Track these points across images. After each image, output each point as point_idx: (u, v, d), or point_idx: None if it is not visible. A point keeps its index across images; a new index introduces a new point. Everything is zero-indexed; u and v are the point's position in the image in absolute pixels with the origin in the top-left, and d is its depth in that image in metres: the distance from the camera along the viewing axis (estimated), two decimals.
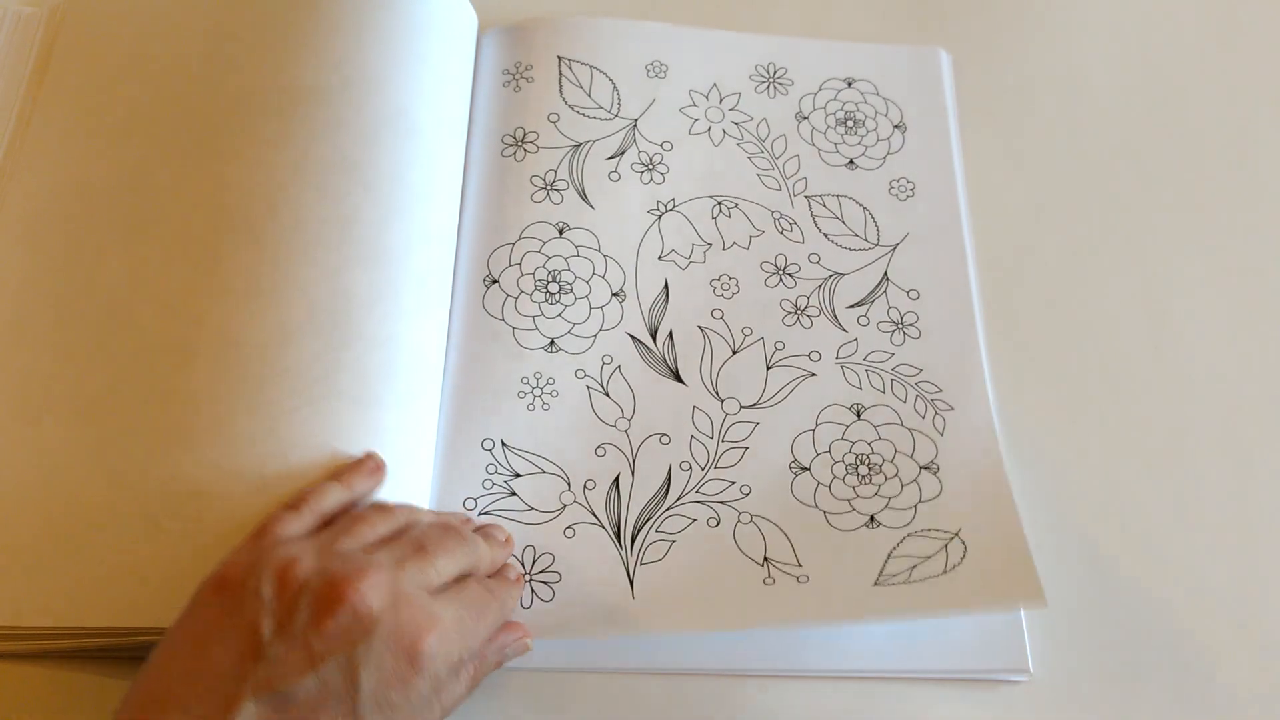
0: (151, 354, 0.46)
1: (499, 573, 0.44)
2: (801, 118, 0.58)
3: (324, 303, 0.47)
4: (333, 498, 0.42)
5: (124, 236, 0.49)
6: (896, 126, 0.58)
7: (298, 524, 0.40)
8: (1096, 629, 0.46)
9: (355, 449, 0.45)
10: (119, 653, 0.43)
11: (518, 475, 0.48)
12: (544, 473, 0.48)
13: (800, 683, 0.44)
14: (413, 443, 0.47)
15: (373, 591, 0.37)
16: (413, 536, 0.41)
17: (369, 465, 0.44)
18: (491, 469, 0.48)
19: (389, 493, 0.45)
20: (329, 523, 0.42)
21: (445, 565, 0.40)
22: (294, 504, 0.41)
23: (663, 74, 0.58)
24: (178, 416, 0.45)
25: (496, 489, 0.48)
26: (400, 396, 0.47)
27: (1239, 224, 0.57)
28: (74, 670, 0.43)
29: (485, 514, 0.48)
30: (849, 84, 0.59)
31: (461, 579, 0.42)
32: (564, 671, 0.44)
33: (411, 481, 0.46)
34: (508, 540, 0.46)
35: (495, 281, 0.52)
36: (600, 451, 0.49)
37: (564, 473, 0.48)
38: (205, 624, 0.37)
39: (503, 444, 0.49)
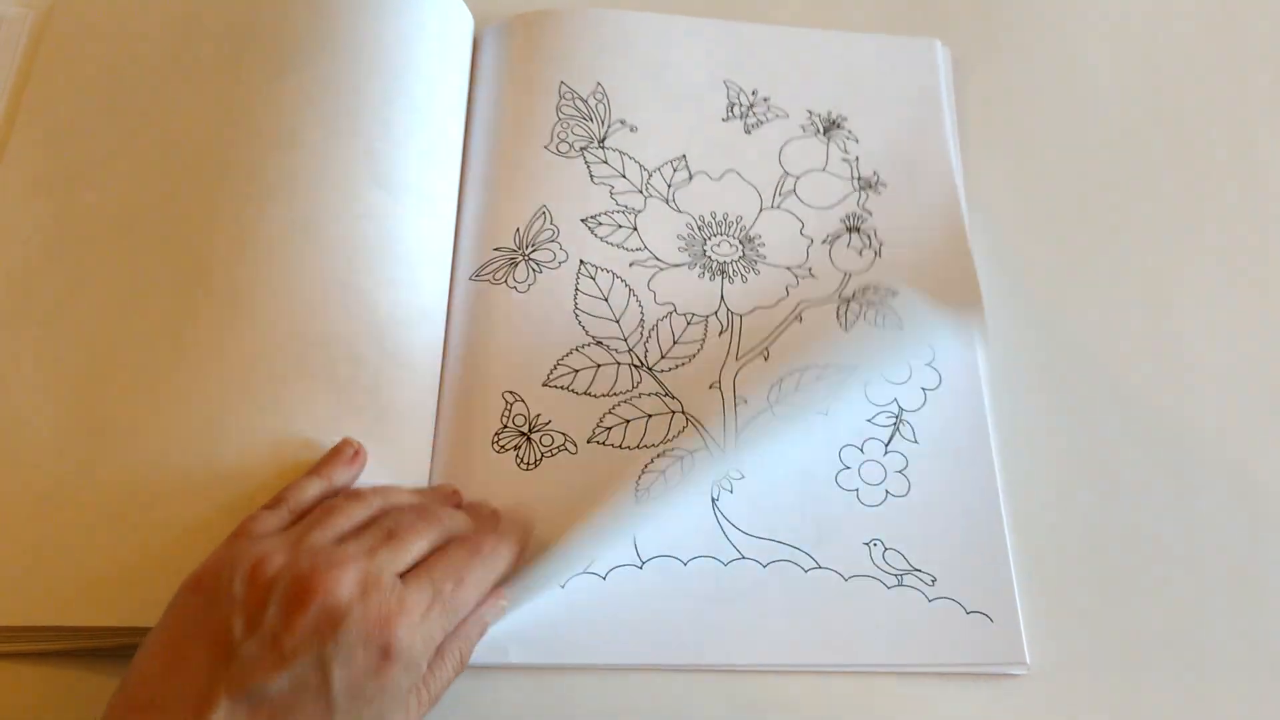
0: (140, 353, 0.46)
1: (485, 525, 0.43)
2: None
3: (315, 301, 0.47)
4: (311, 492, 0.42)
5: (109, 237, 0.49)
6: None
7: (274, 520, 0.41)
8: (1094, 622, 0.46)
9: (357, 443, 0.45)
10: (115, 652, 0.43)
11: None
12: None
13: (798, 677, 0.44)
14: (411, 422, 0.47)
15: (341, 584, 0.36)
16: (384, 524, 0.40)
17: (346, 453, 0.44)
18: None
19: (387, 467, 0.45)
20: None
21: (418, 547, 0.40)
22: (272, 503, 0.42)
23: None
24: (167, 414, 0.45)
25: None
26: (395, 395, 0.47)
27: (1241, 220, 0.57)
28: (73, 670, 0.43)
29: None
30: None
31: (441, 548, 0.41)
32: (562, 669, 0.44)
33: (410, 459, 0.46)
34: (493, 514, 0.45)
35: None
36: None
37: None
38: (182, 623, 0.37)
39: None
